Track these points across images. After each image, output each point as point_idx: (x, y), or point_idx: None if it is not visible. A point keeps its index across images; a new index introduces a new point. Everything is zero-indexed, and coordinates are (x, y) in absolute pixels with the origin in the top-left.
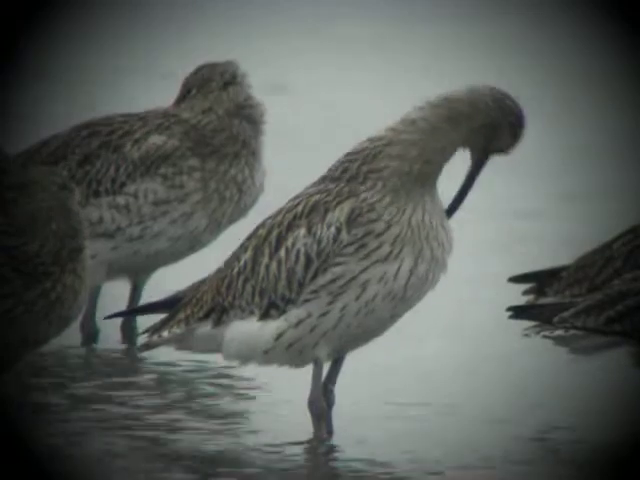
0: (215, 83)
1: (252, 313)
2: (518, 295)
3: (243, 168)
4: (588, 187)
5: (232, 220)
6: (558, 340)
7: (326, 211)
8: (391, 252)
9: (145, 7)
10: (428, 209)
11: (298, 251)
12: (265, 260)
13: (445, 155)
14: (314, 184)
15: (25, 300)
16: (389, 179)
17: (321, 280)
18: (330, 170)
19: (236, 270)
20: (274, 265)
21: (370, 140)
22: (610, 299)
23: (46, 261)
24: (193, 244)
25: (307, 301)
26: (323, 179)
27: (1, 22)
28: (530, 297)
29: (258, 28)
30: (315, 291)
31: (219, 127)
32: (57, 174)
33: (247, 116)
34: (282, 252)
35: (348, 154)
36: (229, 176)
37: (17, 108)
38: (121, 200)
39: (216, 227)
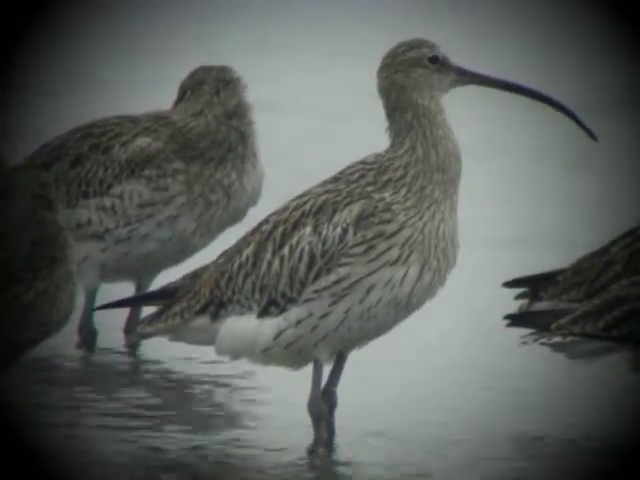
0: (208, 87)
1: (250, 309)
2: (511, 300)
3: (229, 172)
4: (585, 192)
5: (223, 224)
6: (556, 346)
7: (334, 211)
8: (400, 256)
9: (145, 8)
10: (445, 218)
11: (302, 250)
12: (268, 256)
13: (430, 102)
14: (323, 183)
15: None
16: (413, 183)
17: (324, 281)
18: (344, 173)
19: (237, 264)
20: (277, 262)
21: (378, 155)
22: (608, 305)
23: (17, 266)
24: (184, 247)
25: (309, 301)
26: (335, 180)
27: (1, 22)
28: (523, 302)
29: (258, 30)
30: (318, 291)
31: (205, 131)
32: (37, 181)
33: (236, 121)
34: (286, 249)
35: (362, 162)
36: (214, 180)
37: (17, 108)
38: (108, 202)
39: (206, 231)
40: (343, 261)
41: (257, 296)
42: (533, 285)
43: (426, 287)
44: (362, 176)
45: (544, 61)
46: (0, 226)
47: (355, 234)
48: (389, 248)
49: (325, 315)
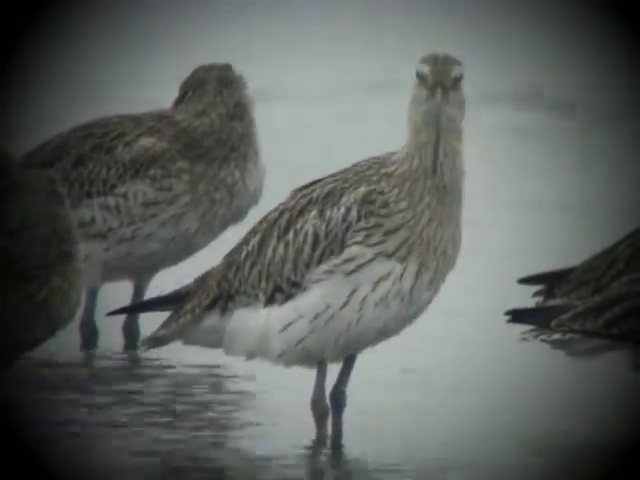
0: (210, 86)
1: (257, 299)
2: (511, 297)
3: (233, 171)
4: (590, 194)
5: (225, 223)
6: (556, 343)
7: (341, 196)
8: (396, 251)
9: (145, 8)
10: (444, 225)
11: (307, 232)
12: (273, 242)
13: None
14: (334, 174)
15: (10, 302)
16: (403, 184)
17: (335, 260)
18: (355, 165)
19: (244, 254)
20: (281, 247)
21: (389, 152)
22: (608, 302)
23: (33, 264)
24: (186, 246)
25: (320, 283)
26: (345, 170)
27: (1, 22)
28: (539, 299)
29: (258, 30)
30: (330, 271)
31: (209, 130)
32: (47, 178)
33: (237, 120)
34: (290, 234)
35: (374, 157)
36: (218, 179)
37: (17, 108)
38: (112, 201)
39: (209, 230)
40: (349, 242)
41: (263, 284)
42: (549, 282)
43: (427, 285)
44: (369, 168)
45: (544, 62)
46: (8, 221)
47: (359, 214)
48: (385, 241)
49: (341, 307)
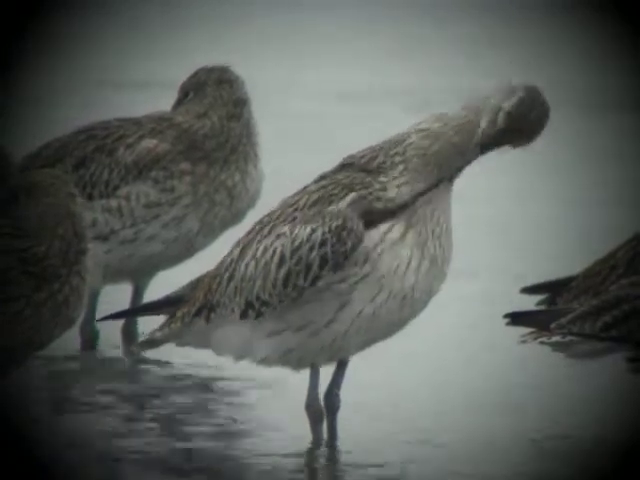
0: (210, 88)
1: (233, 312)
2: (510, 298)
3: (233, 173)
4: (595, 191)
5: (225, 224)
6: (555, 346)
7: (330, 204)
8: (402, 235)
9: (145, 8)
10: (439, 207)
11: (275, 249)
12: (248, 257)
13: (460, 146)
14: (323, 177)
15: (34, 302)
16: (411, 160)
17: (329, 278)
18: (351, 157)
19: (224, 266)
20: (253, 263)
21: (397, 134)
22: (607, 304)
23: (55, 263)
24: (187, 247)
25: (307, 299)
26: (335, 172)
27: (1, 22)
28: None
29: (257, 31)
30: (321, 289)
31: (210, 133)
32: (62, 178)
33: (236, 121)
34: (260, 250)
35: (373, 146)
36: (218, 181)
37: (17, 109)
38: (114, 203)
39: (210, 231)
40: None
41: (237, 298)
42: (551, 291)
43: (424, 276)
44: (372, 158)
45: (545, 63)
46: (28, 222)
47: (324, 237)
48: (390, 229)
49: (326, 324)
